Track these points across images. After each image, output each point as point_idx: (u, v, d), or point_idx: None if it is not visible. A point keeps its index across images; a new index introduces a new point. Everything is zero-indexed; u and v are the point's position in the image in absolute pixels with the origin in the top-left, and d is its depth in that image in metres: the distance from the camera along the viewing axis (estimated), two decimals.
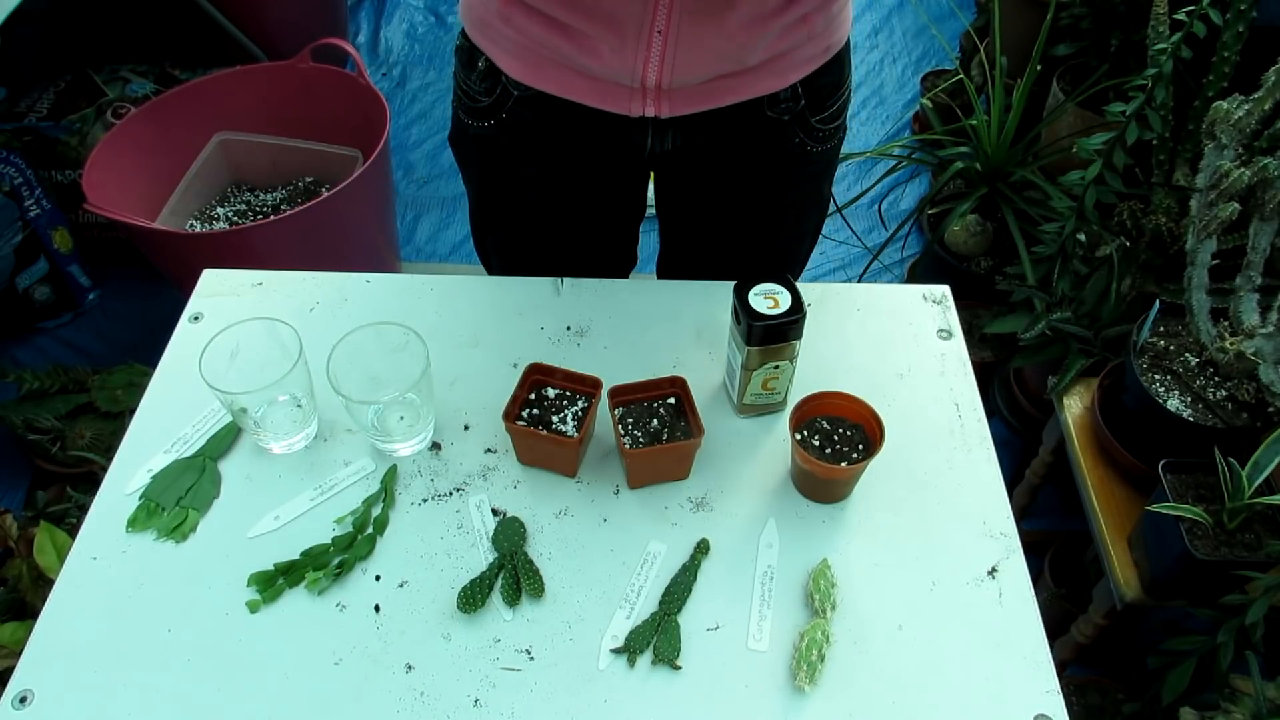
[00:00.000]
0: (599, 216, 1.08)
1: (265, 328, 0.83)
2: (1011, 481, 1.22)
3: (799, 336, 0.81)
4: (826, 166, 1.05)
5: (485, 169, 1.05)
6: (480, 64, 0.95)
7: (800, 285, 0.82)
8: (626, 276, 1.19)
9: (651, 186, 1.09)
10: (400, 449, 0.85)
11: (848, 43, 0.97)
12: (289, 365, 0.79)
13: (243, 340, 0.83)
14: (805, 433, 0.81)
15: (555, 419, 0.82)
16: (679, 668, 0.72)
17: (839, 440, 0.81)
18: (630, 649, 0.73)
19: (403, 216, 2.34)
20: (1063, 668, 1.38)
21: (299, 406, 0.84)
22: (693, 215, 1.09)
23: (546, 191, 1.02)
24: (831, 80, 0.96)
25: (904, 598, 0.76)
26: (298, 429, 0.85)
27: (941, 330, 0.96)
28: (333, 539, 0.79)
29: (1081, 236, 1.42)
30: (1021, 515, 1.61)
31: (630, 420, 0.82)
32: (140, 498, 0.82)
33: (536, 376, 0.85)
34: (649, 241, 1.22)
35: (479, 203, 1.11)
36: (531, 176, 1.01)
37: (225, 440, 0.86)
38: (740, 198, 1.03)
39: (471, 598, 0.75)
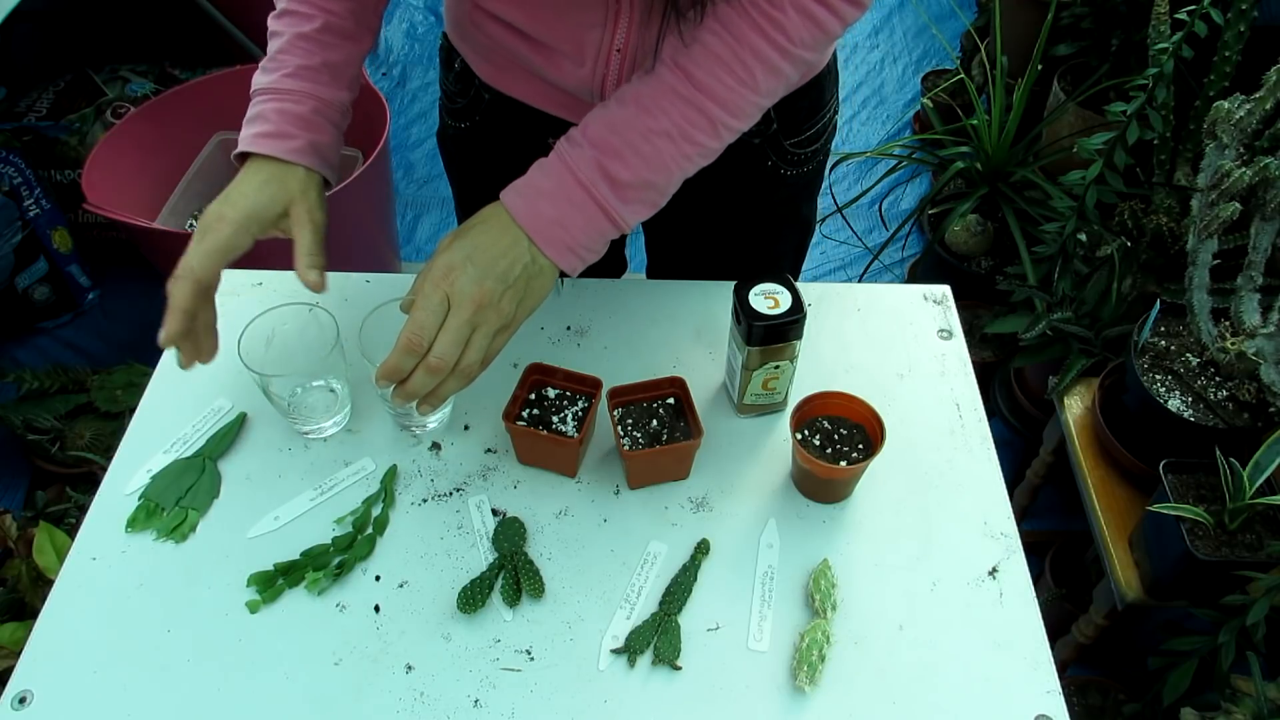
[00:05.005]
0: None
1: (302, 313, 0.85)
2: (1012, 481, 1.21)
3: (799, 336, 0.81)
4: (804, 189, 1.04)
5: (464, 169, 1.06)
6: (456, 64, 0.95)
7: (800, 285, 0.82)
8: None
9: None
10: (429, 424, 0.86)
11: (830, 65, 0.94)
12: (325, 351, 0.81)
13: (277, 325, 0.85)
14: (806, 432, 0.81)
15: (555, 419, 0.82)
16: (679, 668, 0.72)
17: (839, 440, 0.81)
18: (631, 649, 0.73)
19: (403, 216, 2.34)
20: (1063, 668, 1.38)
21: (332, 391, 0.86)
22: (673, 229, 1.08)
23: None
24: (807, 104, 0.93)
25: (904, 598, 0.76)
26: (328, 415, 0.86)
27: (942, 330, 0.96)
28: (333, 539, 0.79)
29: (1082, 236, 1.42)
30: (1022, 515, 1.61)
31: (630, 421, 0.82)
32: (140, 498, 0.82)
33: (537, 376, 0.85)
34: (640, 246, 1.21)
35: (459, 203, 1.12)
36: (505, 180, 1.01)
37: (225, 440, 0.86)
38: (715, 215, 1.02)
39: (471, 598, 0.75)
